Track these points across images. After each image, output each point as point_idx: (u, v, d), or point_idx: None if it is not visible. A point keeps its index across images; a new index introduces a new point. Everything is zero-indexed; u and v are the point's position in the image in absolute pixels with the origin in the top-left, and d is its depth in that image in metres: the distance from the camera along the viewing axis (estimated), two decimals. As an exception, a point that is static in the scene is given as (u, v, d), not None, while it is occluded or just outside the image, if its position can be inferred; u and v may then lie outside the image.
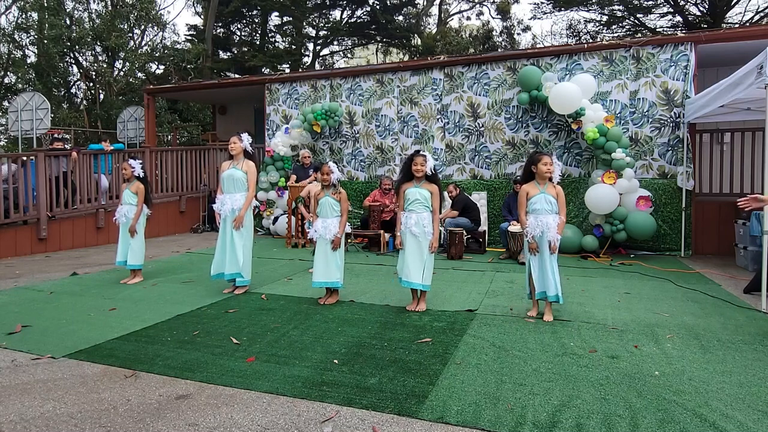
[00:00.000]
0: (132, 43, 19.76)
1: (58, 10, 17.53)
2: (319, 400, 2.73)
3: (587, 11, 21.18)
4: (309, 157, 9.27)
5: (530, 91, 8.11)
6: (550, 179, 4.18)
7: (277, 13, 22.88)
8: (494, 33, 25.03)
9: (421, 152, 4.45)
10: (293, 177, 9.07)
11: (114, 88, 18.64)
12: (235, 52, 23.12)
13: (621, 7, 20.17)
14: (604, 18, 21.27)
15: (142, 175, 5.81)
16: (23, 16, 18.58)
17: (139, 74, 19.99)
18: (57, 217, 8.36)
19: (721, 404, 2.65)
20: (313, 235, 4.73)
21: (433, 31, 25.37)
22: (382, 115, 9.58)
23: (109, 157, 9.62)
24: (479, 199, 8.54)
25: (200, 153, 11.47)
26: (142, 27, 19.92)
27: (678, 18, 19.50)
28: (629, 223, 7.16)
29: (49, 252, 8.14)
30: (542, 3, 21.36)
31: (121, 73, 19.51)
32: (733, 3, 18.02)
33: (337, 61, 27.08)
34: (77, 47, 17.90)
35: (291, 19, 22.52)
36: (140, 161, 5.87)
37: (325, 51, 25.74)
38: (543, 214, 4.13)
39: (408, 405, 2.66)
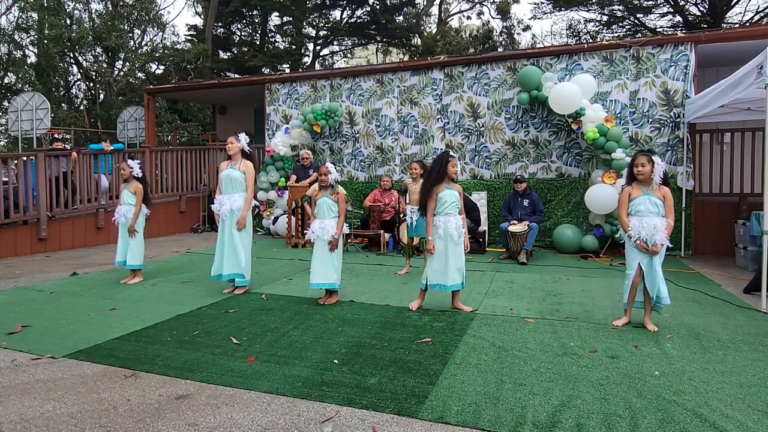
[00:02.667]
0: (132, 43, 19.76)
1: (58, 10, 17.51)
2: (319, 400, 2.73)
3: (587, 11, 21.17)
4: (309, 157, 9.27)
5: (530, 91, 8.11)
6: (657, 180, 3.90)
7: (277, 13, 22.87)
8: (494, 33, 25.04)
9: (452, 154, 4.22)
10: (293, 177, 9.08)
11: (114, 88, 18.63)
12: (235, 52, 23.12)
13: (621, 7, 20.17)
14: (604, 18, 21.27)
15: (140, 175, 5.81)
16: (23, 16, 18.58)
17: (139, 74, 19.98)
18: (57, 217, 8.36)
19: (721, 404, 2.65)
20: (311, 236, 4.72)
21: (433, 31, 25.37)
22: (382, 115, 9.57)
23: (109, 157, 9.62)
24: (479, 199, 8.53)
25: (200, 153, 11.47)
26: (142, 27, 19.92)
27: (678, 18, 19.50)
28: (629, 223, 7.15)
29: (49, 252, 8.14)
30: (542, 3, 21.36)
31: (121, 73, 19.51)
32: (733, 3, 18.02)
33: (337, 61, 27.09)
34: (77, 47, 17.90)
35: (291, 19, 22.51)
36: (139, 161, 5.86)
37: (325, 51, 25.75)
38: (648, 216, 3.86)
39: (408, 405, 2.66)
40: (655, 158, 3.90)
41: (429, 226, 4.34)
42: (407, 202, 6.28)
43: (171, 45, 20.92)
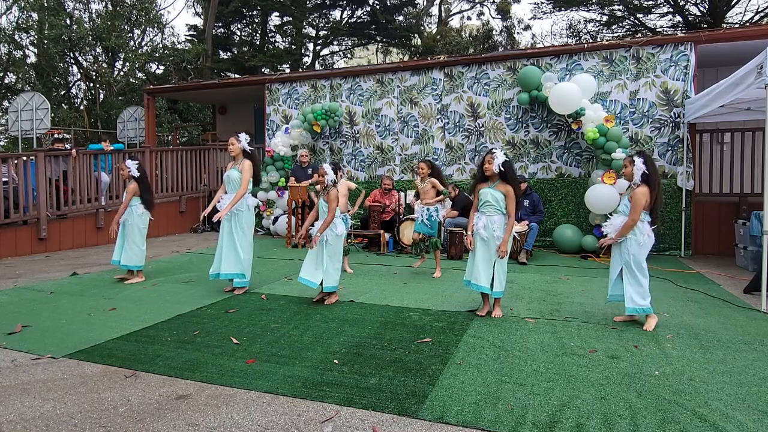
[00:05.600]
0: (132, 43, 19.76)
1: (58, 10, 17.51)
2: (319, 400, 2.73)
3: (587, 11, 21.18)
4: (306, 156, 9.25)
5: (530, 91, 8.10)
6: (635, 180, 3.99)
7: (277, 13, 22.88)
8: (494, 33, 25.05)
9: (492, 150, 4.27)
10: (292, 179, 9.07)
11: (114, 88, 18.63)
12: (235, 52, 23.11)
13: (621, 7, 20.17)
14: (604, 18, 21.26)
15: (137, 174, 5.83)
16: (23, 16, 18.57)
17: (139, 74, 19.98)
18: (56, 216, 8.35)
19: (721, 404, 2.65)
20: (313, 233, 4.74)
21: (433, 31, 25.36)
22: (382, 115, 9.57)
23: (109, 157, 9.62)
24: (479, 199, 8.51)
25: (200, 153, 11.47)
26: (143, 27, 19.91)
27: (678, 18, 19.50)
28: (629, 223, 7.16)
29: (49, 252, 8.14)
30: (542, 3, 21.36)
31: (121, 73, 19.51)
32: (733, 3, 18.01)
33: (337, 61, 27.09)
34: (77, 47, 17.89)
35: (291, 19, 22.51)
36: (136, 161, 5.88)
37: (325, 51, 25.74)
38: (621, 217, 4.01)
39: (408, 405, 2.66)
40: (636, 159, 3.98)
41: (470, 222, 4.41)
42: (419, 201, 6.33)
43: (171, 45, 20.93)
